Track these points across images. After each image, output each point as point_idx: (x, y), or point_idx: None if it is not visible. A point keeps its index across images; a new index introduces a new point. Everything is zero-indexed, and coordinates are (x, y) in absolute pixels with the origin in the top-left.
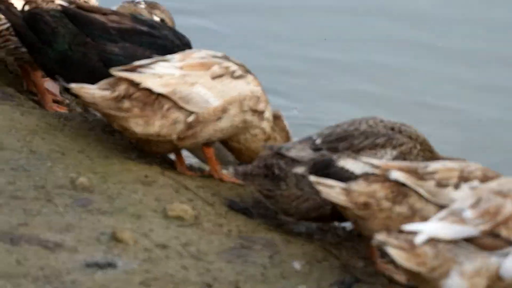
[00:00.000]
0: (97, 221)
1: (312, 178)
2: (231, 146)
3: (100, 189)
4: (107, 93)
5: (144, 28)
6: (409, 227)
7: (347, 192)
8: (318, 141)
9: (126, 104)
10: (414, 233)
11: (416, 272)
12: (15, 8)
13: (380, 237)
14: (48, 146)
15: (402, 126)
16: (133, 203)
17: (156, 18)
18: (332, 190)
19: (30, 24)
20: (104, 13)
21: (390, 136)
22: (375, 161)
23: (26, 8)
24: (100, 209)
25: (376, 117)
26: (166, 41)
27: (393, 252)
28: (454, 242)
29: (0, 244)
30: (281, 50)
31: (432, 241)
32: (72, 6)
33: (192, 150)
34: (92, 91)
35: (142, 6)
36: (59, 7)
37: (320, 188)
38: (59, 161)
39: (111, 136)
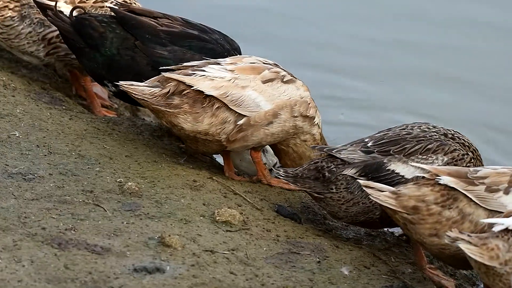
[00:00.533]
0: (145, 226)
1: (362, 181)
2: (279, 148)
3: (148, 194)
4: (156, 90)
5: (194, 32)
6: (488, 220)
7: (397, 195)
8: (370, 144)
9: (176, 100)
10: (487, 229)
11: (489, 266)
12: (63, 14)
13: (451, 234)
14: (97, 151)
15: (455, 133)
16: (181, 208)
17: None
18: (381, 194)
19: (78, 29)
20: (155, 16)
21: (442, 142)
22: (425, 166)
23: (74, 13)
24: (148, 214)
25: (428, 123)
26: (216, 45)
27: (466, 247)
28: None
29: (48, 249)
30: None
31: (505, 236)
32: (123, 9)
33: (237, 165)
34: (141, 87)
35: None
36: (109, 11)
37: (370, 191)
38: (107, 165)
39: (160, 141)
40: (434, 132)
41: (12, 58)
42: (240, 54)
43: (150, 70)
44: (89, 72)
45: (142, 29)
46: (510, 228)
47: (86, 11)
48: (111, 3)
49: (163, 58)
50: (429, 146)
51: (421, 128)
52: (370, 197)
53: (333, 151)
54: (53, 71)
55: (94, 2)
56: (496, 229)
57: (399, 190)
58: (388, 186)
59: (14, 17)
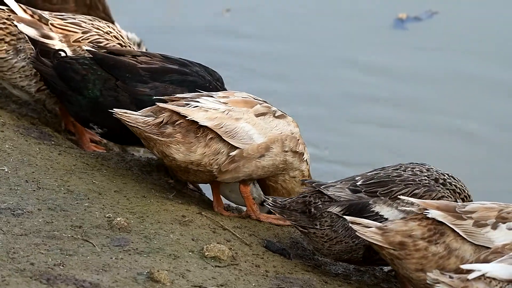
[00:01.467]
0: (134, 261)
1: (348, 218)
2: (267, 184)
3: (137, 229)
4: (150, 119)
5: (174, 66)
6: (466, 266)
7: (383, 231)
8: (359, 182)
9: (169, 129)
10: (469, 271)
11: None
12: (44, 58)
13: (432, 275)
14: (86, 186)
15: (448, 178)
16: (170, 243)
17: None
18: (367, 230)
19: (60, 73)
20: (133, 55)
21: (431, 188)
22: (414, 200)
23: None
24: (137, 249)
25: (425, 164)
26: (197, 77)
27: None
28: (509, 282)
29: (37, 284)
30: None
31: (486, 279)
32: (101, 51)
33: (226, 195)
34: (135, 116)
35: None
36: (88, 54)
37: (356, 227)
38: (96, 201)
39: (149, 176)
40: (425, 176)
41: (2, 94)
42: (223, 84)
43: (134, 108)
44: (73, 116)
45: (122, 69)
46: (487, 275)
47: (67, 53)
48: (89, 42)
49: (146, 95)
50: (416, 191)
51: (413, 170)
52: (357, 233)
53: (321, 187)
54: (42, 106)
55: (90, 42)
56: (471, 276)
57: (385, 226)
58: (374, 222)
59: (9, 50)
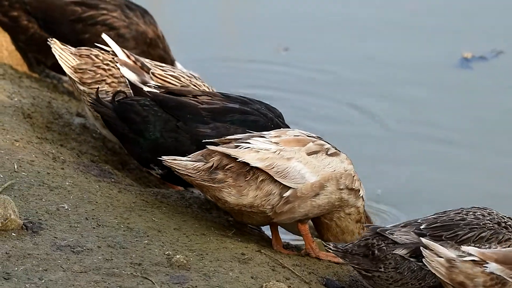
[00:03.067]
0: None
1: (425, 240)
2: (321, 221)
3: (196, 267)
4: (200, 164)
5: (235, 106)
6: None
7: (450, 265)
8: (423, 226)
9: (220, 174)
10: None
11: None
12: (104, 100)
13: None
14: (145, 223)
15: (509, 221)
16: (230, 281)
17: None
18: (435, 259)
19: (121, 114)
20: (194, 95)
21: (496, 230)
22: (472, 249)
23: (116, 98)
24: (196, 287)
25: (486, 208)
26: (258, 116)
27: None
28: None
29: None
30: None
31: None
32: (162, 91)
33: (285, 225)
34: (184, 162)
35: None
36: (149, 94)
37: (426, 253)
38: (155, 238)
39: (208, 214)
40: (488, 220)
41: (62, 131)
42: (283, 120)
43: (195, 149)
44: (134, 157)
45: (183, 110)
46: None
47: (128, 95)
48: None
49: (207, 136)
50: (483, 234)
51: (475, 214)
52: (424, 260)
53: (386, 232)
54: (102, 143)
55: (182, 86)
56: None
57: (454, 262)
58: (447, 252)
59: (108, 91)
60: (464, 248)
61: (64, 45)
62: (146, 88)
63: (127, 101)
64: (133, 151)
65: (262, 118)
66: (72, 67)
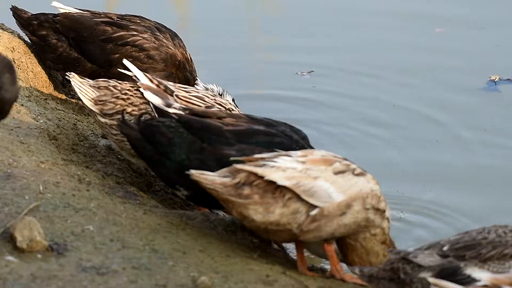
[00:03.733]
0: None
1: (431, 279)
2: (346, 242)
3: None
4: (227, 180)
5: (260, 127)
6: None
7: None
8: (446, 248)
9: (246, 190)
10: None
11: None
12: (130, 121)
13: None
14: (170, 245)
15: None
16: None
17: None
18: None
19: (147, 136)
20: (219, 116)
21: None
22: (484, 275)
23: (142, 119)
24: None
25: (508, 226)
26: (284, 138)
27: None
28: None
29: None
30: None
31: None
32: (187, 113)
33: (308, 245)
34: (212, 177)
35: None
36: (173, 115)
37: None
38: (180, 260)
39: (233, 235)
40: (510, 237)
41: (87, 153)
42: (308, 142)
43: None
44: (160, 177)
45: (208, 131)
46: None
47: (153, 116)
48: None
49: (232, 158)
50: (506, 251)
51: (497, 232)
52: None
53: (409, 256)
54: (127, 165)
55: (206, 106)
56: None
57: None
58: (458, 286)
59: (131, 120)
60: (476, 274)
61: (83, 78)
62: (171, 110)
63: (153, 123)
64: (159, 172)
65: (287, 140)
66: (92, 99)
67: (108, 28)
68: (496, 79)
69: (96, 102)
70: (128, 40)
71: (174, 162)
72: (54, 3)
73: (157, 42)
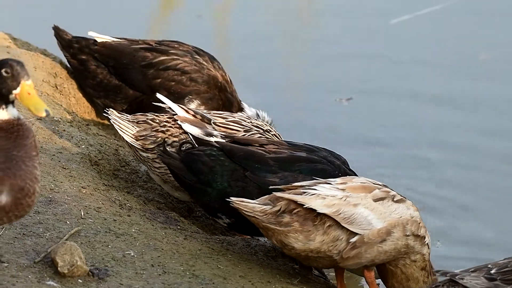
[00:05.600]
0: None
1: None
2: (386, 268)
3: None
4: (267, 207)
5: (302, 154)
6: None
7: None
8: (494, 271)
9: (286, 218)
10: None
11: None
12: (171, 151)
13: None
14: (211, 271)
15: None
16: None
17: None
18: None
19: (188, 165)
20: (260, 144)
21: None
22: None
23: (183, 148)
24: None
25: None
26: (326, 164)
27: None
28: None
29: None
30: None
31: None
32: (228, 141)
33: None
34: (252, 204)
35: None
36: (215, 144)
37: None
38: (221, 285)
39: (274, 261)
40: None
41: (128, 178)
42: (348, 166)
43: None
44: (201, 206)
45: (251, 159)
46: None
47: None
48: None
49: (275, 185)
50: None
51: None
52: None
53: (456, 277)
54: (167, 193)
55: (245, 130)
56: None
57: None
58: None
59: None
60: None
61: (121, 114)
62: (212, 139)
63: (194, 152)
64: (201, 201)
65: (330, 166)
66: (133, 135)
67: (148, 54)
68: None
69: (137, 138)
70: (169, 64)
71: (215, 190)
72: (91, 33)
73: (198, 65)
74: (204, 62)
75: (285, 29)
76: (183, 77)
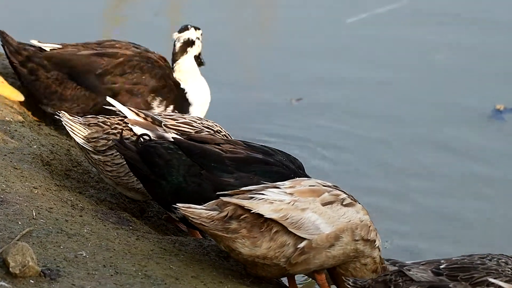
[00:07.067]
0: None
1: None
2: (337, 271)
3: None
4: (214, 213)
5: (259, 156)
6: None
7: None
8: (443, 266)
9: (234, 224)
10: None
11: None
12: (128, 142)
13: None
14: (163, 271)
15: None
16: None
17: None
18: None
19: (144, 157)
20: (217, 142)
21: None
22: (503, 284)
23: (140, 141)
24: None
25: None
26: (282, 167)
27: None
28: None
29: None
30: None
31: None
32: (185, 138)
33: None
34: (199, 210)
35: None
36: (171, 139)
37: None
38: (173, 286)
39: (226, 262)
40: (510, 268)
41: (80, 179)
42: (304, 171)
43: (217, 197)
44: (155, 199)
45: (208, 158)
46: None
47: (151, 137)
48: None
49: (230, 185)
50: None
51: (499, 261)
52: None
53: (404, 268)
54: (120, 193)
55: (196, 131)
56: None
57: None
58: None
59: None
60: (494, 281)
61: (73, 116)
62: (170, 135)
63: (151, 144)
64: (155, 194)
65: (285, 170)
66: (85, 137)
67: (101, 60)
68: (502, 108)
69: (88, 140)
70: (125, 67)
71: (170, 183)
72: (33, 41)
73: (148, 60)
74: (151, 56)
75: (239, 24)
76: (142, 77)
